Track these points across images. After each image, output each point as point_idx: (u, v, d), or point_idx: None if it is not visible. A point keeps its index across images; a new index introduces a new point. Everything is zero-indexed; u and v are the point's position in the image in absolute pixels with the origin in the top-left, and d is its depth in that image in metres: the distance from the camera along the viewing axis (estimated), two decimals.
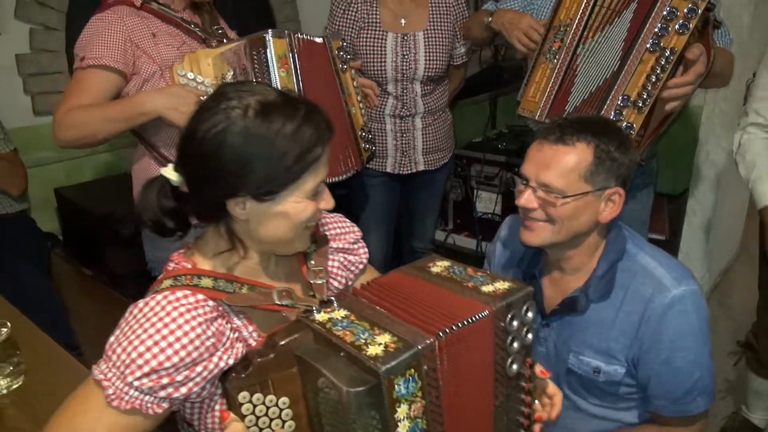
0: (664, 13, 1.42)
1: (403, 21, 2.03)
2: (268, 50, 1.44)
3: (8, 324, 1.23)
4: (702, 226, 2.62)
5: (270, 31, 1.44)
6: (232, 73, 1.44)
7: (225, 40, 1.55)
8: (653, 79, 1.44)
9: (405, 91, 2.07)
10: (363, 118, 1.68)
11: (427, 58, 2.03)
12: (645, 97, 1.45)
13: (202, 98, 1.40)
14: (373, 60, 2.03)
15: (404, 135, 2.13)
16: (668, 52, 1.42)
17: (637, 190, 1.90)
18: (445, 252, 2.73)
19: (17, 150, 2.24)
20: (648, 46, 1.44)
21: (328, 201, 0.95)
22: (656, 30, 1.43)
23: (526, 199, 1.19)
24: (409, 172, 2.17)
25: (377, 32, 2.02)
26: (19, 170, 2.23)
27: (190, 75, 1.42)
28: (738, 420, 2.10)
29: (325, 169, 0.91)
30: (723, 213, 2.64)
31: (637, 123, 1.48)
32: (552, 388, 1.02)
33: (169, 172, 0.92)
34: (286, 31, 1.47)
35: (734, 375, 2.30)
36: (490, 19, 1.80)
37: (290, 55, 1.47)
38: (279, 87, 1.41)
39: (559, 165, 1.16)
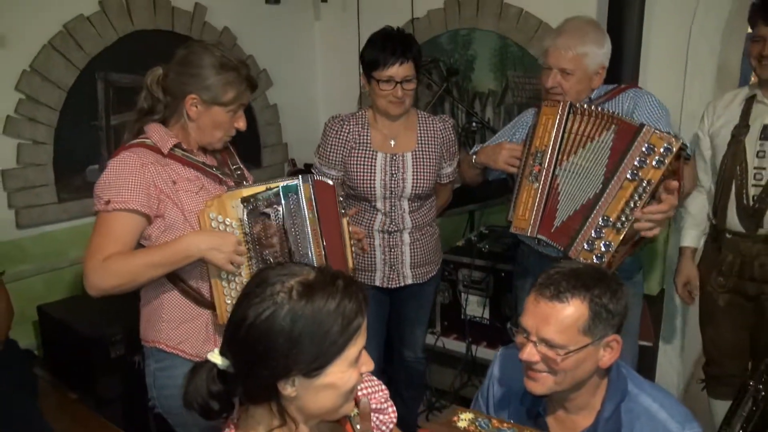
0: (643, 149, 1.59)
1: (392, 142, 2.13)
2: (300, 195, 1.50)
3: None
4: (679, 325, 2.75)
5: (300, 176, 1.51)
6: (255, 213, 1.48)
7: (245, 182, 1.60)
8: (632, 205, 1.60)
9: (393, 207, 2.14)
10: (353, 262, 1.77)
11: (415, 177, 2.11)
12: (623, 219, 1.61)
13: (240, 239, 1.47)
14: (363, 177, 2.10)
15: (392, 250, 2.18)
16: (645, 183, 1.59)
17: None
18: (435, 356, 2.74)
19: (3, 275, 2.14)
20: (628, 175, 1.60)
21: (368, 364, 0.99)
22: (635, 162, 1.59)
23: (529, 353, 1.23)
24: (398, 285, 2.21)
25: (368, 152, 2.11)
26: (2, 305, 2.07)
27: (220, 218, 1.48)
28: None
29: (365, 336, 0.96)
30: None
31: (615, 242, 1.62)
32: None
33: (216, 357, 0.95)
34: (309, 176, 1.54)
35: None
36: (474, 157, 2.00)
37: (313, 197, 1.53)
38: (309, 228, 1.50)
39: (558, 321, 1.20)
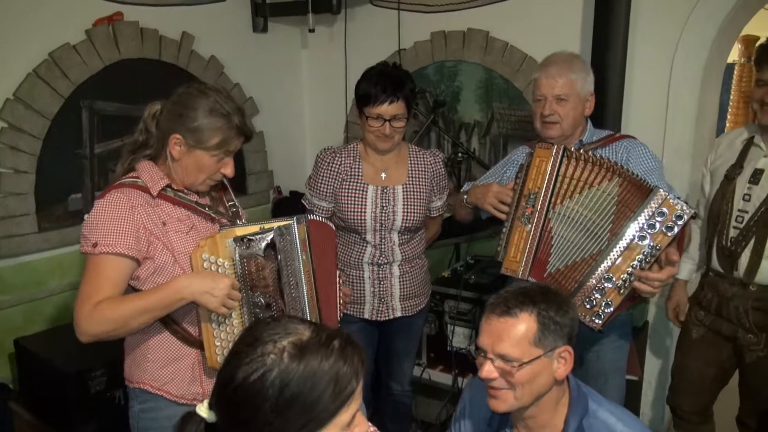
0: (655, 212, 1.58)
1: (383, 175, 2.14)
2: (294, 236, 1.49)
3: None
4: (664, 357, 2.76)
5: (295, 217, 1.50)
6: (247, 253, 1.46)
7: (239, 221, 1.59)
8: (637, 267, 1.60)
9: (383, 240, 2.14)
10: (341, 315, 1.79)
11: (405, 210, 2.12)
12: (626, 280, 1.61)
13: (233, 281, 1.44)
14: (353, 210, 2.10)
15: (382, 282, 2.17)
16: (653, 247, 1.58)
17: (616, 342, 2.02)
18: (421, 388, 2.72)
19: None
20: (637, 237, 1.59)
21: (361, 425, 0.95)
22: (646, 225, 1.59)
23: (487, 370, 1.30)
24: (387, 318, 2.20)
25: (359, 184, 2.11)
26: None
27: (213, 259, 1.46)
28: None
29: (359, 399, 0.93)
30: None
31: (615, 302, 1.63)
32: None
33: (204, 411, 0.92)
34: (303, 217, 1.53)
35: None
36: (465, 197, 2.01)
37: (308, 239, 1.52)
38: (302, 271, 1.48)
39: (510, 336, 1.29)
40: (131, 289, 1.51)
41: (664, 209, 1.58)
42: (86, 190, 2.62)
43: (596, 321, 1.64)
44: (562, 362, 1.32)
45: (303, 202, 2.24)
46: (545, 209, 1.73)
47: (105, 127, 2.63)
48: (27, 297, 2.47)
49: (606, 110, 2.44)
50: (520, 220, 1.77)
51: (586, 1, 2.67)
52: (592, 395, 1.40)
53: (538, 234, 1.74)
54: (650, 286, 1.60)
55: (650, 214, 1.59)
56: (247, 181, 3.36)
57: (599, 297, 1.63)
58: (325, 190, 2.13)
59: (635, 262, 1.60)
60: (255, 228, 1.48)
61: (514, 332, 1.28)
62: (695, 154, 2.59)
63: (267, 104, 3.39)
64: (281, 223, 1.49)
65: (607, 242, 1.64)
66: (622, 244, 1.61)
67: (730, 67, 4.87)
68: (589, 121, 2.04)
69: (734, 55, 4.93)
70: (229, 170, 1.55)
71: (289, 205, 3.44)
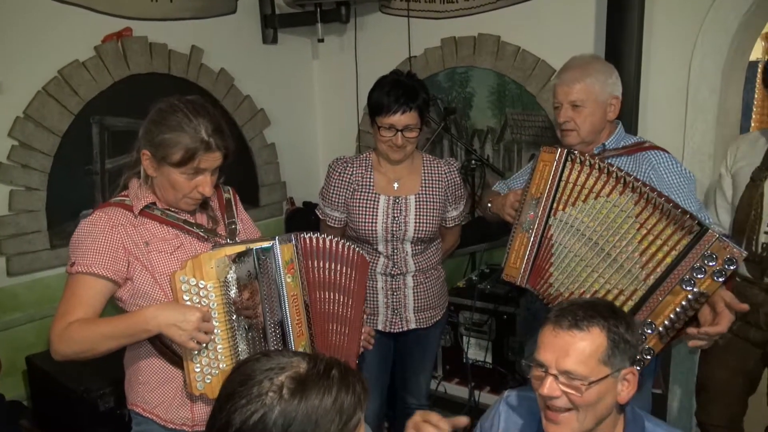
0: (704, 256, 1.45)
1: (395, 185, 2.10)
2: (275, 258, 1.43)
3: None
4: (688, 367, 2.66)
5: (277, 237, 1.44)
6: (234, 275, 1.41)
7: (231, 239, 1.54)
8: (680, 314, 1.48)
9: (395, 250, 2.09)
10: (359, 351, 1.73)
11: (417, 220, 2.07)
12: (669, 327, 1.50)
13: (206, 313, 1.38)
14: (364, 220, 2.06)
15: (395, 293, 2.13)
16: (700, 294, 1.45)
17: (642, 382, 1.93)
18: (437, 401, 2.65)
19: None
20: (682, 282, 1.47)
21: None
22: (693, 270, 1.46)
23: (549, 387, 1.19)
24: (400, 330, 2.16)
25: (370, 194, 2.08)
26: None
27: (192, 281, 1.39)
28: None
29: (363, 426, 0.88)
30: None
31: (656, 348, 1.53)
32: None
33: None
34: (292, 235, 1.48)
35: None
36: (489, 205, 1.96)
37: (296, 258, 1.47)
38: (286, 294, 1.43)
39: (578, 351, 1.18)
40: (120, 311, 1.48)
41: (713, 253, 1.44)
42: (97, 206, 2.62)
43: (636, 369, 1.55)
44: (626, 384, 1.22)
45: (317, 212, 2.21)
46: (546, 215, 1.67)
47: (115, 142, 2.64)
48: (39, 314, 2.48)
49: (621, 112, 2.36)
50: (522, 227, 1.72)
51: (598, 2, 2.61)
52: (647, 417, 1.31)
53: (537, 240, 1.69)
54: (708, 339, 1.48)
55: (697, 256, 1.46)
56: (259, 193, 3.34)
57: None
58: (337, 200, 2.10)
59: (678, 309, 1.48)
60: (242, 248, 1.43)
61: (582, 347, 1.18)
62: (716, 156, 2.50)
63: (278, 115, 3.38)
64: (261, 244, 1.42)
65: (642, 282, 1.52)
66: (664, 289, 1.49)
67: (753, 65, 4.73)
68: (619, 125, 1.94)
69: (757, 52, 4.79)
70: (206, 189, 1.45)
71: (303, 216, 3.42)
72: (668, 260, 1.50)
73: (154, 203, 1.48)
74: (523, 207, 1.73)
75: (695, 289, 1.46)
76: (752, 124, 4.87)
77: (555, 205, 1.66)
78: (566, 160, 1.65)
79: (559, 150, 1.67)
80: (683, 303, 1.47)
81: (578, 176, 1.64)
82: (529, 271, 1.70)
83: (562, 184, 1.65)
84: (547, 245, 1.68)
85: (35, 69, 2.40)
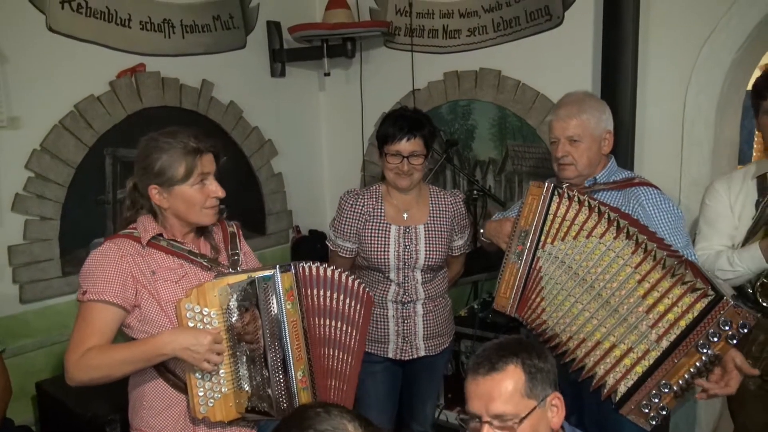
0: (719, 321, 1.48)
1: (405, 215, 2.18)
2: (275, 286, 1.49)
3: None
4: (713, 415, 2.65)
5: (278, 266, 1.51)
6: (236, 303, 1.48)
7: (233, 269, 1.61)
8: (694, 374, 1.53)
9: (406, 278, 2.16)
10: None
11: (428, 248, 2.14)
12: (683, 385, 1.54)
13: (217, 336, 1.45)
14: (377, 249, 2.14)
15: (406, 321, 2.18)
16: (714, 356, 1.50)
17: None
18: (439, 429, 2.67)
19: (3, 352, 2.13)
20: (697, 347, 1.50)
21: None
22: (708, 336, 1.49)
23: None
24: (410, 357, 2.20)
25: (382, 224, 2.16)
26: (0, 385, 2.01)
27: (197, 308, 1.48)
28: None
29: None
30: None
31: (671, 406, 1.56)
32: None
33: None
34: (291, 264, 1.54)
35: None
36: (482, 231, 2.01)
37: (295, 286, 1.53)
38: (286, 320, 1.49)
39: (501, 392, 1.25)
40: (128, 338, 1.54)
41: (729, 319, 1.47)
42: (109, 234, 2.69)
43: (652, 423, 1.56)
44: (554, 410, 1.30)
45: (327, 243, 2.27)
46: (534, 247, 1.73)
47: (127, 172, 2.71)
48: (49, 340, 2.54)
49: (616, 147, 2.42)
50: (512, 256, 1.77)
51: (595, 38, 2.69)
52: None
53: (526, 272, 1.74)
54: (717, 396, 1.53)
55: (713, 322, 1.48)
56: (266, 221, 3.41)
57: (656, 402, 1.55)
58: (349, 231, 2.17)
59: (693, 370, 1.52)
60: (243, 277, 1.50)
61: (504, 387, 1.25)
62: None
63: (285, 146, 3.47)
64: (262, 273, 1.49)
65: (655, 343, 1.55)
66: (679, 352, 1.52)
67: None
68: (612, 159, 1.99)
69: None
70: (218, 191, 1.55)
71: (309, 243, 3.48)
72: (682, 323, 1.52)
73: (161, 234, 1.56)
74: (513, 238, 1.79)
75: (710, 352, 1.49)
76: (754, 154, 4.91)
77: (543, 237, 1.72)
78: (553, 194, 1.71)
79: (546, 184, 1.73)
80: (697, 364, 1.51)
81: (567, 211, 1.69)
82: (518, 301, 1.75)
83: (550, 217, 1.71)
84: (536, 277, 1.73)
85: (52, 104, 2.50)
